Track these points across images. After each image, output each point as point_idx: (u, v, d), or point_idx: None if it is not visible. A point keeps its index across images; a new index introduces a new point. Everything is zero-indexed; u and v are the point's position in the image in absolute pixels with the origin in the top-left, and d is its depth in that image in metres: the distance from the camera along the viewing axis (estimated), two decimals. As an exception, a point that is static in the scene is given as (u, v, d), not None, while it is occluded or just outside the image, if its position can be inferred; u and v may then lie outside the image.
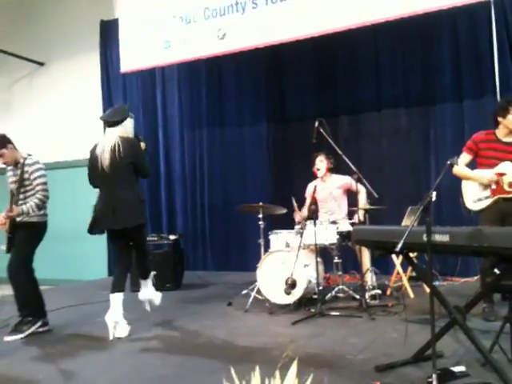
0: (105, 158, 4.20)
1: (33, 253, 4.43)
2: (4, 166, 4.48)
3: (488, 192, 4.06)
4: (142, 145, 4.59)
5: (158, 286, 6.13)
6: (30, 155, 4.48)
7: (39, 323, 4.39)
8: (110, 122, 4.31)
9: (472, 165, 4.23)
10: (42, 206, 4.40)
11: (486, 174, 4.05)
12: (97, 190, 4.45)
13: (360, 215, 5.14)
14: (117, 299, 4.17)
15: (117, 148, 4.15)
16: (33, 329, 4.34)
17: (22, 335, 4.26)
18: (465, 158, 4.20)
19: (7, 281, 4.36)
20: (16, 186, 4.38)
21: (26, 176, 4.37)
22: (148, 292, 4.61)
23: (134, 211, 4.20)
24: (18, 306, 4.36)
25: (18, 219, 4.33)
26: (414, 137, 6.64)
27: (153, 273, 4.71)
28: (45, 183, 4.43)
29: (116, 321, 4.11)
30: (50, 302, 4.73)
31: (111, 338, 4.05)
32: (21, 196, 4.36)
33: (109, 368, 3.39)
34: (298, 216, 5.36)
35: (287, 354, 3.21)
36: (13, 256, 4.36)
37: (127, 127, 4.34)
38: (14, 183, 4.42)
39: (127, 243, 4.38)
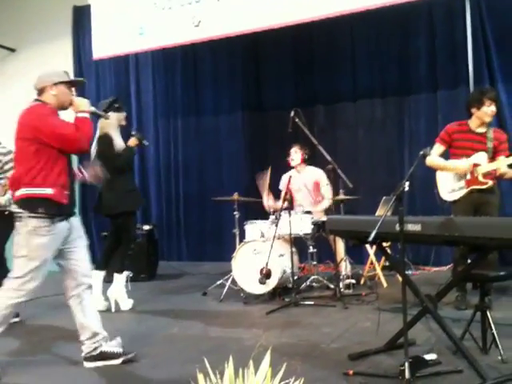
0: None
1: (5, 243, 4.36)
2: None
3: (462, 183, 4.10)
4: (132, 140, 4.88)
5: (133, 277, 6.13)
6: (0, 143, 4.39)
7: None
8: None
9: (445, 156, 4.27)
10: None
11: (463, 164, 4.08)
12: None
13: (325, 205, 5.39)
14: (118, 277, 4.70)
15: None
16: None
17: None
18: (438, 148, 4.23)
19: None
20: None
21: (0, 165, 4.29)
22: (117, 291, 4.70)
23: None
24: None
25: None
26: (389, 127, 6.68)
27: (126, 273, 4.87)
28: None
29: (116, 297, 4.62)
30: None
31: (113, 310, 4.57)
32: None
33: (81, 359, 3.34)
34: (268, 202, 5.44)
35: (261, 343, 3.22)
36: None
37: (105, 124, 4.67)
38: None
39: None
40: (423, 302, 2.90)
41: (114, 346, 3.21)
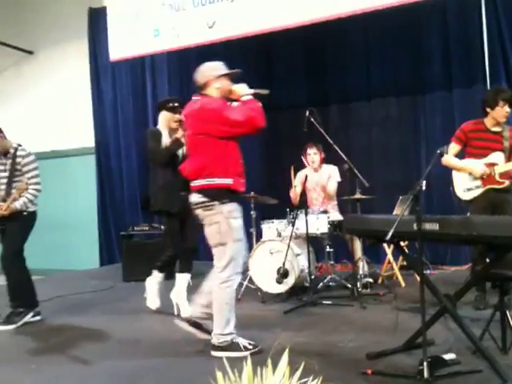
0: None
1: (24, 243, 4.40)
2: None
3: (479, 182, 4.07)
4: (179, 133, 4.40)
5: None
6: (20, 145, 4.42)
7: (31, 314, 4.38)
8: None
9: (460, 154, 4.24)
10: (34, 200, 4.38)
11: (478, 167, 4.04)
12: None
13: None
14: (180, 279, 4.48)
15: None
16: (25, 319, 4.32)
17: (14, 326, 4.24)
18: (454, 147, 4.20)
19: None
20: (7, 176, 4.33)
21: (18, 167, 4.32)
22: (178, 294, 4.48)
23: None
24: (11, 296, 4.34)
25: None
26: (404, 126, 6.64)
27: (187, 276, 4.53)
28: (38, 176, 4.40)
29: (176, 302, 4.43)
30: (41, 292, 4.71)
31: (175, 313, 4.35)
32: (13, 185, 4.31)
33: (100, 358, 3.39)
34: (293, 193, 5.37)
35: (279, 342, 3.23)
36: (5, 247, 4.34)
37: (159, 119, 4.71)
38: (1, 172, 4.36)
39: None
40: (442, 302, 2.89)
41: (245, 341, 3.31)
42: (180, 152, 4.43)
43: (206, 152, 3.25)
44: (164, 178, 4.36)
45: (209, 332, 3.36)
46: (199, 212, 3.35)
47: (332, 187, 5.46)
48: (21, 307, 4.33)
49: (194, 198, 3.34)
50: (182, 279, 4.46)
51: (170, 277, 4.74)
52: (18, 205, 4.25)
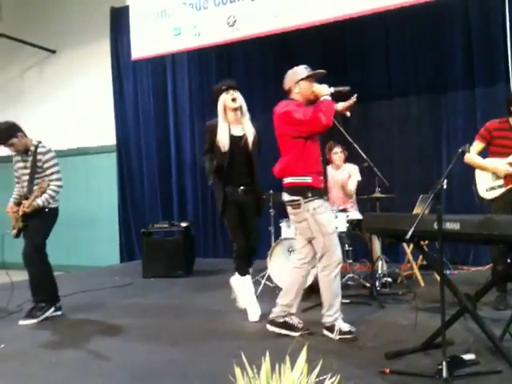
0: None
1: (46, 238, 4.46)
2: (14, 153, 4.46)
3: (501, 181, 4.02)
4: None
5: (170, 273, 6.25)
6: (40, 142, 4.46)
7: (52, 309, 4.45)
8: None
9: (484, 153, 4.20)
10: (56, 196, 4.43)
11: (502, 166, 4.00)
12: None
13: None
14: (239, 282, 4.23)
15: None
16: (46, 314, 4.40)
17: (35, 320, 4.31)
18: (477, 146, 4.16)
19: (17, 266, 4.41)
20: (29, 173, 4.38)
21: (39, 164, 4.37)
22: (235, 282, 4.28)
23: None
24: (33, 291, 4.42)
25: None
26: (425, 125, 6.59)
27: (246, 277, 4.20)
28: (59, 172, 4.44)
29: (243, 306, 4.19)
30: (63, 288, 4.79)
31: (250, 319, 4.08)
32: (35, 182, 4.37)
33: (120, 353, 3.43)
34: None
35: (297, 340, 3.24)
36: (27, 242, 4.40)
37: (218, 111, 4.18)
38: (23, 169, 4.42)
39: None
40: (462, 302, 2.87)
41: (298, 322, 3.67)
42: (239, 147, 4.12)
43: (287, 152, 3.58)
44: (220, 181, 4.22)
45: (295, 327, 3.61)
46: (289, 209, 3.59)
47: (352, 186, 5.45)
48: (42, 302, 4.40)
49: (284, 196, 3.62)
50: (242, 282, 4.22)
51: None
52: (40, 202, 4.31)
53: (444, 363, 2.50)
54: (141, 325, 4.14)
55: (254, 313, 4.09)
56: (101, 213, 8.69)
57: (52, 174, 4.39)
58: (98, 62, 8.70)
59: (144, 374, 3.04)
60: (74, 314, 4.59)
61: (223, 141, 4.06)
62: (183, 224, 6.67)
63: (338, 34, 6.63)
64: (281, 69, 7.29)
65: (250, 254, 4.25)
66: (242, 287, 4.21)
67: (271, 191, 5.32)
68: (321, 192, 3.51)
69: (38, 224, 4.39)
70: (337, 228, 4.89)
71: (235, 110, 4.12)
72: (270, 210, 5.37)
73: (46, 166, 4.38)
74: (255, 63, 7.62)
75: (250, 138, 4.16)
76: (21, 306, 4.70)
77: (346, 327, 3.48)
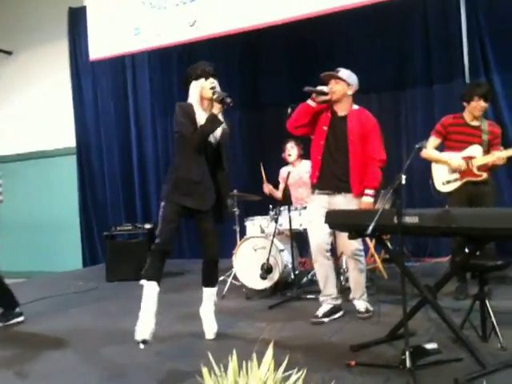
0: None
1: None
2: None
3: (457, 174, 4.15)
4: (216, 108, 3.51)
5: (135, 276, 6.16)
6: None
7: (19, 318, 4.38)
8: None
9: (440, 148, 4.32)
10: None
11: (454, 160, 4.13)
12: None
13: None
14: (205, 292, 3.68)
15: None
16: (12, 321, 4.32)
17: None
18: (434, 141, 4.28)
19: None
20: None
21: None
22: (206, 312, 3.66)
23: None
24: None
25: None
26: (386, 121, 6.67)
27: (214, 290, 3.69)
28: None
29: (206, 318, 3.63)
30: (25, 295, 4.69)
31: (206, 336, 3.56)
32: None
33: (92, 355, 3.39)
34: (266, 188, 5.47)
35: (263, 337, 3.26)
36: None
37: (190, 91, 3.65)
38: None
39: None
40: (422, 293, 2.95)
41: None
42: (214, 137, 3.56)
43: None
44: (197, 171, 3.48)
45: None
46: None
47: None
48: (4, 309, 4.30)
49: None
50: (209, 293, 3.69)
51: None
52: None
53: (407, 353, 2.56)
54: (106, 328, 4.09)
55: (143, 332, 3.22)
56: (62, 216, 8.52)
57: None
58: (55, 63, 8.53)
59: (113, 377, 3.01)
60: (37, 321, 4.49)
61: None
62: (147, 226, 6.61)
63: (302, 32, 6.67)
64: (245, 67, 7.41)
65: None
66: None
67: (235, 191, 5.33)
68: (316, 186, 3.92)
69: None
70: (301, 225, 4.98)
71: (211, 100, 3.54)
72: (235, 209, 5.38)
73: None
74: (218, 62, 7.57)
75: (219, 132, 3.59)
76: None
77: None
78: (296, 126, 3.91)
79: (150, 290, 3.34)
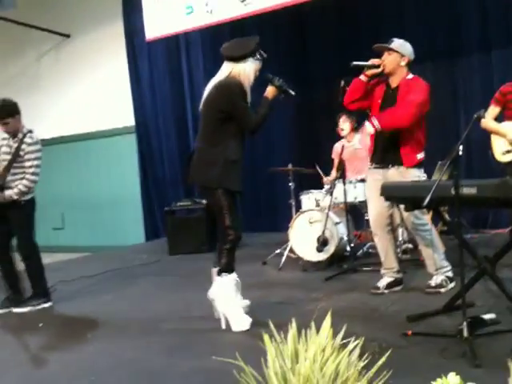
0: (202, 101, 3.48)
1: (33, 229, 4.33)
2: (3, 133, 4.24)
3: (517, 144, 4.04)
4: (270, 90, 3.49)
5: (195, 249, 6.39)
6: (30, 131, 4.25)
7: (49, 302, 4.39)
8: (225, 56, 3.57)
9: (500, 117, 4.20)
10: (29, 189, 4.21)
11: (510, 133, 4.01)
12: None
13: None
14: (221, 282, 3.35)
15: (213, 90, 3.38)
16: (43, 305, 4.33)
17: (30, 308, 4.27)
18: (493, 110, 4.16)
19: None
20: (9, 159, 4.17)
21: (21, 153, 4.17)
22: (218, 294, 3.36)
23: (206, 170, 3.36)
24: (32, 283, 4.34)
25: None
26: (442, 90, 6.50)
27: (234, 277, 3.38)
28: (38, 166, 4.23)
29: (222, 312, 3.34)
30: (91, 268, 4.92)
31: (223, 327, 3.33)
32: (11, 172, 4.17)
33: (158, 325, 3.58)
34: (326, 181, 5.45)
35: (321, 307, 3.35)
36: (18, 236, 4.29)
37: (243, 69, 3.44)
38: (5, 154, 4.21)
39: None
40: (481, 264, 2.94)
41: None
42: None
43: None
44: (236, 152, 3.38)
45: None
46: None
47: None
48: (40, 294, 4.34)
49: None
50: (226, 281, 3.37)
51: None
52: (13, 194, 4.13)
53: (464, 323, 2.58)
54: (171, 299, 4.29)
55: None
56: (124, 193, 8.84)
57: (30, 167, 4.18)
58: (112, 44, 8.73)
59: (178, 344, 3.18)
60: (106, 291, 4.76)
61: None
62: (204, 201, 6.78)
63: (352, 4, 6.57)
64: (295, 42, 7.37)
65: None
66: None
67: (290, 165, 5.39)
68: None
69: (19, 217, 4.25)
70: (356, 198, 5.00)
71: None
72: (290, 184, 5.45)
73: (26, 157, 4.18)
74: (269, 37, 7.58)
75: None
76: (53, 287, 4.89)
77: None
78: (350, 101, 3.92)
79: (234, 280, 3.37)
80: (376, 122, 3.61)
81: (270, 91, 3.48)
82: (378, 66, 3.77)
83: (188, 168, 3.48)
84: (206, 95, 3.44)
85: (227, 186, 3.33)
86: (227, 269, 3.35)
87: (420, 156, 3.78)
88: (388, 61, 3.76)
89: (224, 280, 3.33)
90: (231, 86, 3.35)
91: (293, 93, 3.49)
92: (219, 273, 3.36)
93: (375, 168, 3.86)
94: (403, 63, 3.80)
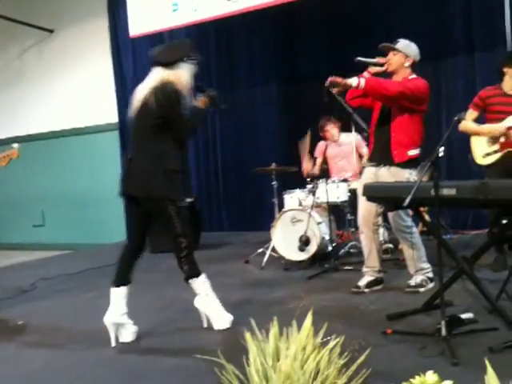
0: (133, 107, 3.31)
1: None
2: None
3: (496, 146, 4.10)
4: (202, 100, 3.47)
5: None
6: None
7: None
8: (156, 61, 3.41)
9: (481, 121, 4.26)
10: None
11: (496, 127, 4.07)
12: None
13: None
14: (117, 295, 3.38)
15: (148, 96, 3.22)
16: None
17: None
18: (471, 114, 4.21)
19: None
20: None
21: None
22: (202, 302, 3.34)
23: (147, 181, 3.24)
24: None
25: None
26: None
27: (202, 279, 3.34)
28: None
29: (117, 323, 3.26)
30: (73, 266, 4.91)
31: (113, 344, 3.19)
32: None
33: (139, 320, 3.58)
34: (305, 170, 5.48)
35: (303, 305, 3.38)
36: None
37: (176, 74, 3.30)
38: None
39: (141, 218, 3.52)
40: (459, 264, 2.99)
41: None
42: None
43: None
44: (175, 161, 3.29)
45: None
46: None
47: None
48: None
49: None
50: (120, 294, 3.43)
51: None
52: None
53: (443, 322, 2.63)
54: (151, 297, 4.29)
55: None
56: (106, 191, 8.77)
57: None
58: (96, 40, 8.67)
59: (157, 342, 3.18)
60: (85, 291, 4.73)
61: None
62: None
63: (340, 4, 6.61)
64: (282, 40, 7.38)
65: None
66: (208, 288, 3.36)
67: (274, 164, 5.42)
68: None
69: None
70: (338, 198, 5.05)
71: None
72: (273, 183, 5.47)
73: None
74: (256, 36, 7.61)
75: None
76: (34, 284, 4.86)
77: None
78: (351, 98, 3.93)
79: (207, 281, 3.37)
80: (362, 81, 3.59)
81: (201, 101, 3.45)
82: (382, 65, 3.81)
83: (126, 179, 3.35)
84: (138, 101, 3.28)
85: (171, 196, 3.26)
86: (193, 274, 3.31)
87: (412, 153, 3.76)
88: (393, 61, 3.81)
89: (195, 283, 3.31)
90: (168, 91, 3.21)
91: (223, 107, 3.51)
92: (185, 280, 3.33)
93: (370, 166, 3.90)
94: (407, 64, 3.84)
